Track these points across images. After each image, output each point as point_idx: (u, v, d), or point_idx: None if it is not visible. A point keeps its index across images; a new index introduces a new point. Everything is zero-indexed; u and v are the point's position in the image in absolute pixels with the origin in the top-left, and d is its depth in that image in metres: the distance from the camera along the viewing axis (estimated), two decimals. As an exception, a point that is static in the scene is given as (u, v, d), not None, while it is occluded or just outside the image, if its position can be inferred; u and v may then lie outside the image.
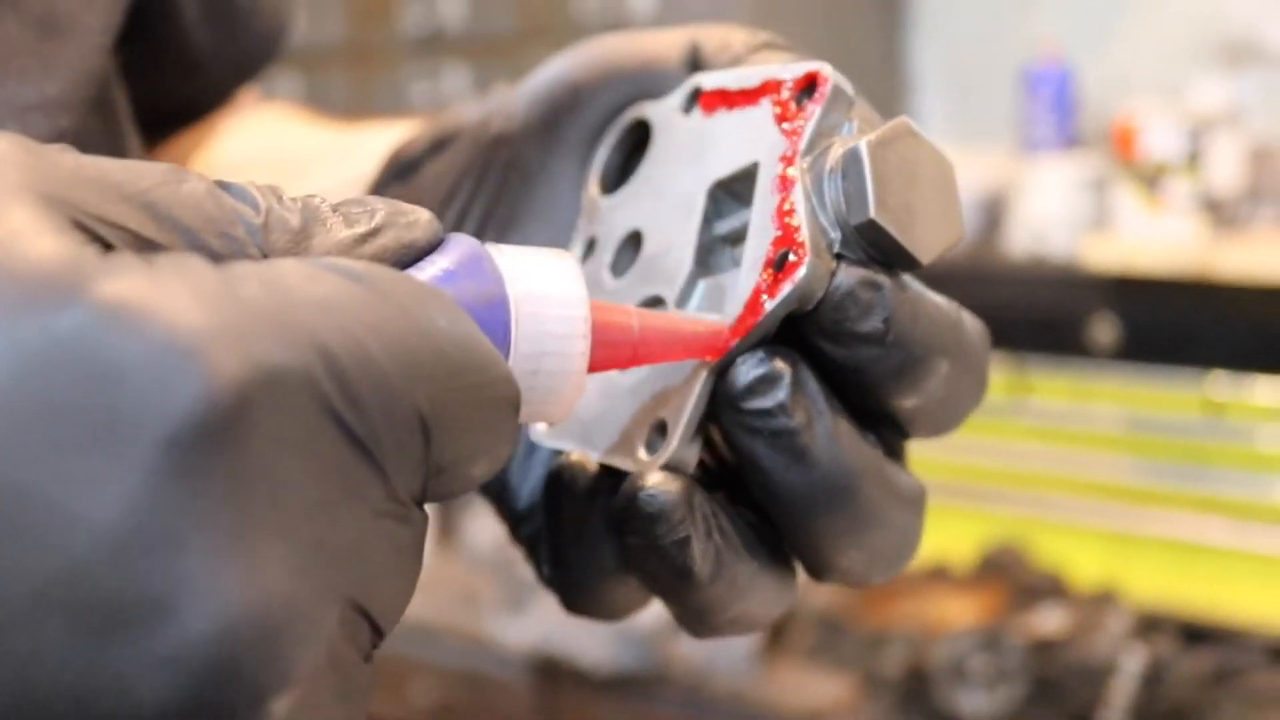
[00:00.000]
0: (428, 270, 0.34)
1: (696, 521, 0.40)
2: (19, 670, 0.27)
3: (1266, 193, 2.35)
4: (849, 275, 0.39)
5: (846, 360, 0.39)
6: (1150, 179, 2.30)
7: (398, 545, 0.31)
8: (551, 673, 2.37)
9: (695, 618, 0.42)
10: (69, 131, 0.48)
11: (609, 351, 0.37)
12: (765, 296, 0.39)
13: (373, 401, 0.30)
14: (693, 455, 0.40)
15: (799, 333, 0.39)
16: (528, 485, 0.47)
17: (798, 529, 0.40)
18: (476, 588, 2.53)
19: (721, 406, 0.39)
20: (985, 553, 2.46)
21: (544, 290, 0.36)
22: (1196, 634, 2.24)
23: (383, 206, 0.34)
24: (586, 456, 0.43)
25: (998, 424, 2.54)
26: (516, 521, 0.47)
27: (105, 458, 0.27)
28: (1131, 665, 2.11)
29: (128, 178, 0.31)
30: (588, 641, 2.30)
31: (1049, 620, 2.23)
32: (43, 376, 0.27)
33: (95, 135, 0.51)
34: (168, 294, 0.28)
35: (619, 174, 0.48)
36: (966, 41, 2.89)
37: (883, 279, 0.39)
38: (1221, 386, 2.35)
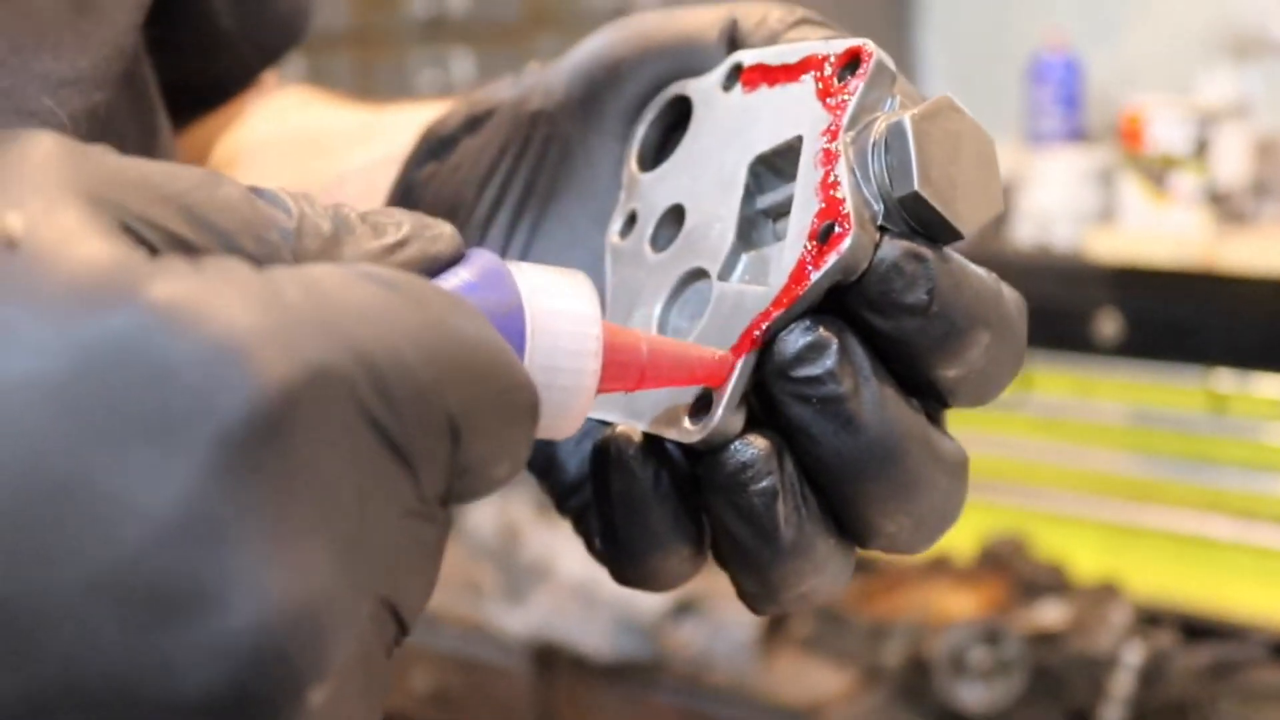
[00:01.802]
0: (450, 281, 0.35)
1: (784, 479, 0.40)
2: (67, 656, 0.28)
3: (1273, 186, 2.35)
4: (894, 247, 0.39)
5: (891, 331, 0.40)
6: (1157, 172, 2.30)
7: (424, 544, 0.32)
8: (550, 660, 2.37)
9: (767, 591, 0.42)
10: (101, 107, 0.48)
11: (618, 371, 0.38)
12: (810, 267, 0.40)
13: (407, 404, 0.31)
14: (737, 425, 0.41)
15: (842, 304, 0.40)
16: (576, 457, 0.47)
17: (846, 495, 0.41)
18: (476, 575, 2.53)
19: (770, 375, 0.40)
20: (986, 545, 2.46)
21: (560, 308, 0.37)
22: (1197, 629, 2.24)
23: (408, 219, 0.36)
24: (633, 427, 0.44)
25: (1000, 417, 2.54)
26: (564, 494, 0.48)
27: (158, 453, 0.28)
28: (1131, 659, 2.11)
29: (167, 180, 0.32)
30: (587, 629, 2.30)
31: (1049, 613, 2.23)
32: (99, 375, 0.28)
33: (126, 111, 0.51)
34: (216, 296, 0.29)
35: (658, 150, 0.48)
36: (973, 33, 2.89)
37: (926, 251, 0.39)
38: (1225, 381, 2.34)
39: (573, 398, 0.37)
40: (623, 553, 0.44)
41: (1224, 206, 2.30)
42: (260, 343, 0.29)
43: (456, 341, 0.32)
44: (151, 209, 0.31)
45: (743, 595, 0.43)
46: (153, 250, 0.30)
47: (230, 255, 0.31)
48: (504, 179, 0.50)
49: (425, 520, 0.32)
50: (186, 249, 0.31)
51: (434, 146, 0.53)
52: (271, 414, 0.28)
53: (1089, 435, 2.51)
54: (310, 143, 0.64)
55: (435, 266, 0.36)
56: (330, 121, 0.68)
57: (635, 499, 0.43)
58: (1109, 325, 2.37)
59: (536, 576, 2.41)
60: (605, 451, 0.44)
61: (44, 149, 0.31)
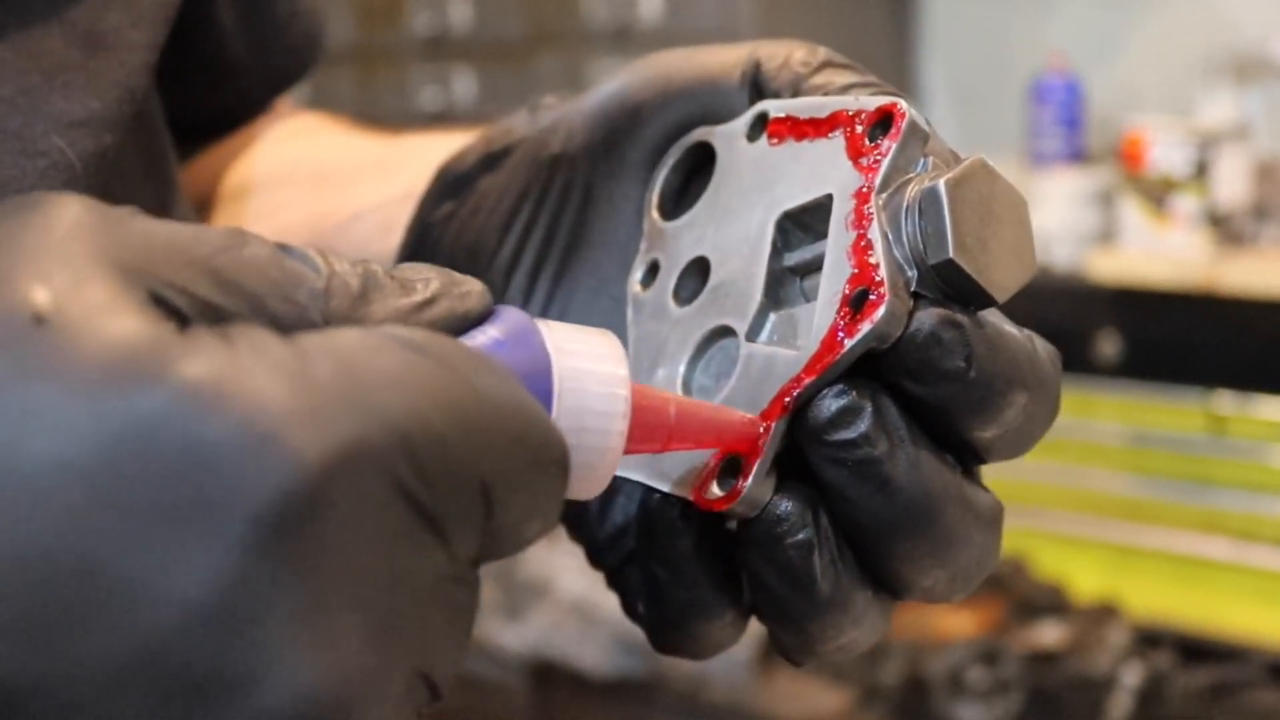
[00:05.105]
0: (478, 339, 0.35)
1: (820, 532, 0.40)
2: None
3: (1273, 208, 2.35)
4: (930, 315, 0.39)
5: (928, 397, 0.39)
6: (1157, 193, 2.30)
7: (456, 608, 0.32)
8: (548, 677, 2.37)
9: (805, 644, 0.42)
10: (111, 148, 0.48)
11: (645, 433, 0.38)
12: (843, 334, 0.39)
13: (440, 474, 0.30)
14: (766, 493, 0.40)
15: (876, 367, 0.40)
16: (611, 513, 0.47)
17: (882, 553, 0.41)
18: (475, 591, 2.53)
19: (805, 439, 0.40)
20: (985, 565, 2.46)
21: (589, 368, 0.36)
22: (1195, 650, 2.23)
23: (437, 276, 0.35)
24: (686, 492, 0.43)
25: (1000, 436, 2.53)
26: (598, 549, 0.47)
27: (191, 537, 0.28)
28: (1130, 680, 2.10)
29: (194, 242, 0.31)
30: (585, 646, 2.29)
31: (1048, 633, 2.23)
32: (130, 457, 0.28)
33: (134, 152, 0.51)
34: (247, 375, 0.29)
35: (678, 196, 0.47)
36: (975, 54, 2.89)
37: (962, 318, 0.39)
38: (1225, 402, 2.34)
39: (599, 458, 0.36)
40: (668, 617, 0.44)
41: (1224, 228, 2.30)
42: (292, 423, 0.28)
43: (486, 405, 0.31)
44: (180, 274, 0.30)
45: (780, 648, 0.43)
46: (183, 319, 0.30)
47: (259, 322, 0.31)
48: (525, 225, 0.49)
49: (457, 584, 0.32)
50: (216, 314, 0.31)
51: (451, 184, 0.52)
52: (305, 496, 0.28)
53: (1088, 456, 2.50)
54: (324, 176, 0.64)
55: (464, 324, 0.35)
56: (344, 154, 0.67)
57: (680, 562, 0.43)
58: (1109, 346, 2.37)
59: (535, 593, 2.40)
60: (656, 514, 0.43)
61: (70, 216, 0.30)
